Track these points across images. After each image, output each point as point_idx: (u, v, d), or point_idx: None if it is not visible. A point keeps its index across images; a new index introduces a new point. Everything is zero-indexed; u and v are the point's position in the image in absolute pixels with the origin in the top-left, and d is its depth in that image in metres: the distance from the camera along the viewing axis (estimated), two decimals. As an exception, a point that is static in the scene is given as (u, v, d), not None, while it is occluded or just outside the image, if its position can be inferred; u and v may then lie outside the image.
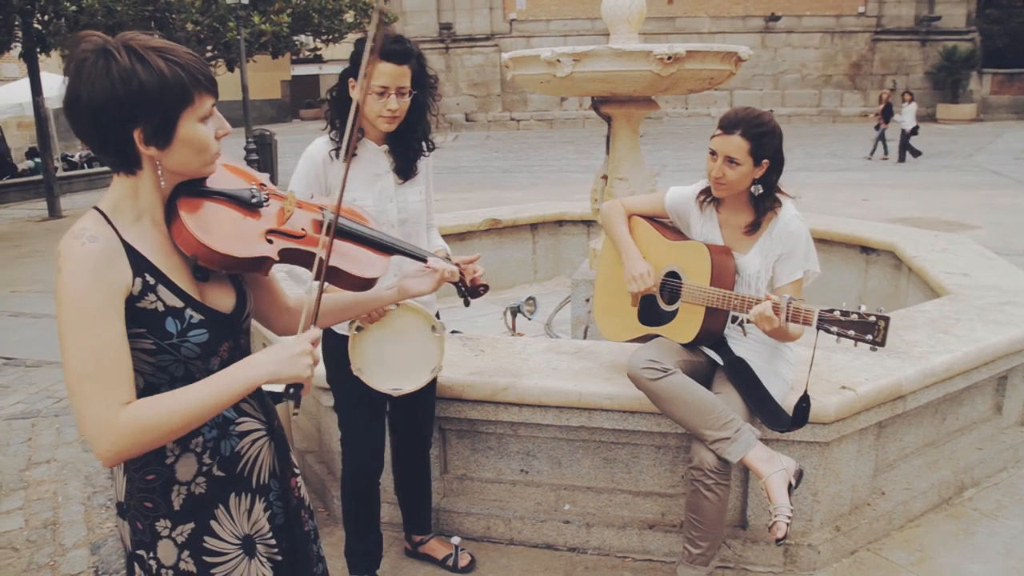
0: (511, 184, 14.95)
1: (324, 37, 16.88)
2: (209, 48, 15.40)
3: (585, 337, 4.69)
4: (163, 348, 1.39)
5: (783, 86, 28.29)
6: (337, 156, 2.53)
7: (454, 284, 1.95)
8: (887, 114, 18.81)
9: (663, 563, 3.00)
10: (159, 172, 1.39)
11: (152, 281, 1.38)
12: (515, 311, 5.35)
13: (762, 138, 2.56)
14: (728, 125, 2.58)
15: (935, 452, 3.41)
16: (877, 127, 18.99)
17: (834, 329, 2.22)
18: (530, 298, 5.44)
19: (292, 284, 2.57)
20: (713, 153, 2.61)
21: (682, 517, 2.97)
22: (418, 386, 2.54)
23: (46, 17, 13.05)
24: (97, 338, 1.29)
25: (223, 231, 1.43)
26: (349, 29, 17.81)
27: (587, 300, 4.81)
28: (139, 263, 1.37)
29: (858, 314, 2.19)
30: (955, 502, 3.36)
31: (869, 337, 2.16)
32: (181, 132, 1.36)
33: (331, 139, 2.55)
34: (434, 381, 2.87)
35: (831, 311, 2.24)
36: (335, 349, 2.58)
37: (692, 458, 2.58)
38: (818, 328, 2.25)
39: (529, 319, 5.45)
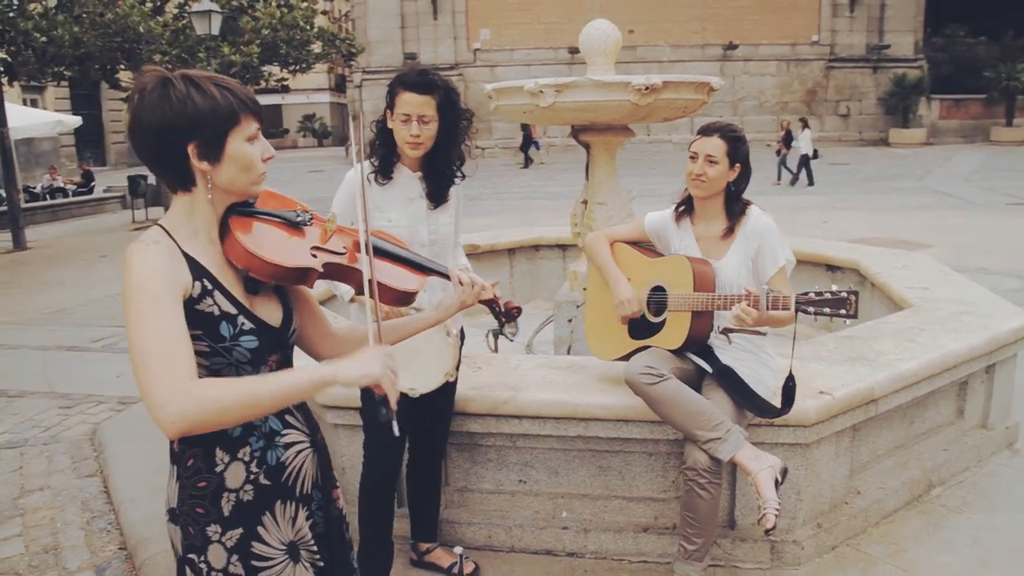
0: (480, 211, 15.13)
1: (292, 68, 17.02)
2: (177, 79, 15.44)
3: (569, 355, 4.86)
4: (216, 351, 1.52)
5: (742, 112, 29.01)
6: (375, 180, 2.74)
7: (489, 308, 2.09)
8: (788, 141, 19.67)
9: (658, 564, 3.16)
10: (209, 187, 1.54)
11: (209, 287, 1.52)
12: (497, 333, 5.49)
13: (736, 142, 2.91)
14: (708, 130, 2.94)
15: (905, 453, 3.64)
16: (778, 152, 19.89)
17: (811, 309, 2.45)
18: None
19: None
20: (694, 155, 2.92)
21: (674, 520, 3.15)
22: (430, 388, 2.70)
23: (13, 48, 13.04)
24: (162, 319, 1.40)
25: (271, 245, 1.59)
26: (316, 60, 18.02)
27: (569, 320, 4.98)
28: (198, 270, 1.51)
29: (831, 292, 2.44)
30: (924, 499, 3.58)
31: (843, 311, 2.40)
32: (229, 149, 1.52)
33: (371, 164, 2.77)
34: (453, 394, 3.05)
35: (806, 294, 2.48)
36: None
37: (686, 459, 2.77)
38: (797, 310, 2.48)
39: (511, 340, 5.57)
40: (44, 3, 13.31)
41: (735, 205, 2.98)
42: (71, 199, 19.93)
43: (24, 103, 22.74)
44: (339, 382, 1.49)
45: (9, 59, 13.18)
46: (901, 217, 13.06)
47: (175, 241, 1.52)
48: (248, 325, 1.56)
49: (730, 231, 2.95)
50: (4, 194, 14.75)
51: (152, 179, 17.09)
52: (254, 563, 1.60)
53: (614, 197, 4.81)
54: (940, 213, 13.56)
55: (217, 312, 1.52)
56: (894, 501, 3.46)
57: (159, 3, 15.40)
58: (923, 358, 3.45)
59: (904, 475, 3.55)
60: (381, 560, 2.96)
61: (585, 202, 4.88)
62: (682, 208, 3.10)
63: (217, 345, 1.52)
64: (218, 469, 1.57)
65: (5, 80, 13.35)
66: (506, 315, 2.08)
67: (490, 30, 29.56)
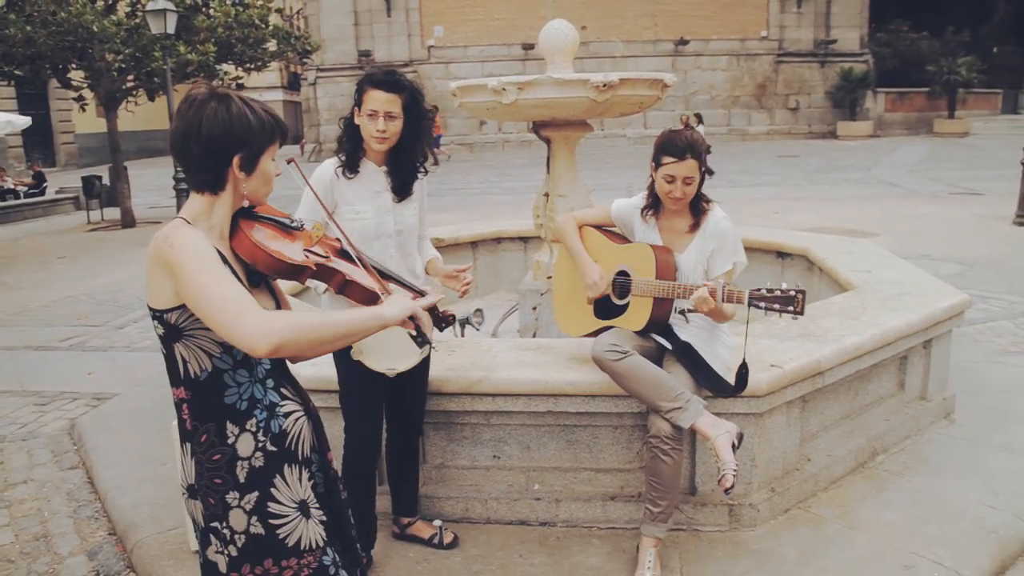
0: (439, 206, 15.26)
1: (247, 66, 16.94)
2: (130, 78, 15.29)
3: (536, 341, 5.07)
4: None
5: (694, 106, 29.40)
6: (343, 174, 2.89)
7: (430, 312, 2.44)
8: None
9: (625, 529, 3.39)
10: (243, 192, 1.76)
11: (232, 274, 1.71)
12: (464, 322, 5.69)
13: (703, 155, 3.04)
14: (680, 152, 2.98)
15: (850, 423, 3.92)
16: None
17: (762, 304, 2.68)
18: (478, 310, 5.79)
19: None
20: (671, 178, 3.01)
21: (639, 489, 3.39)
22: (409, 365, 2.84)
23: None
24: (225, 274, 1.62)
25: (274, 243, 1.83)
26: (272, 58, 17.93)
27: (534, 308, 5.20)
28: (222, 259, 1.70)
29: (780, 290, 2.67)
30: (869, 465, 3.87)
31: (791, 308, 2.63)
32: (261, 164, 1.75)
33: (339, 159, 2.93)
34: (427, 375, 3.22)
35: (758, 290, 2.71)
36: None
37: (650, 428, 2.99)
38: (749, 304, 2.71)
39: (477, 329, 5.80)
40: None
41: (699, 203, 3.16)
42: (23, 201, 19.55)
43: (-32, 103, 22.29)
44: (387, 321, 1.75)
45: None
46: (849, 207, 13.52)
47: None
48: None
49: (695, 227, 3.13)
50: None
51: (107, 179, 16.89)
52: (271, 521, 1.78)
53: (575, 189, 5.02)
54: (886, 203, 14.05)
55: None
56: (841, 467, 3.74)
57: (110, 2, 15.20)
58: (866, 334, 3.73)
59: (850, 443, 3.83)
60: (365, 535, 3.14)
61: (547, 195, 5.09)
62: (649, 210, 3.25)
63: None
64: (230, 441, 1.76)
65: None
66: (444, 320, 2.45)
67: (443, 27, 29.59)
